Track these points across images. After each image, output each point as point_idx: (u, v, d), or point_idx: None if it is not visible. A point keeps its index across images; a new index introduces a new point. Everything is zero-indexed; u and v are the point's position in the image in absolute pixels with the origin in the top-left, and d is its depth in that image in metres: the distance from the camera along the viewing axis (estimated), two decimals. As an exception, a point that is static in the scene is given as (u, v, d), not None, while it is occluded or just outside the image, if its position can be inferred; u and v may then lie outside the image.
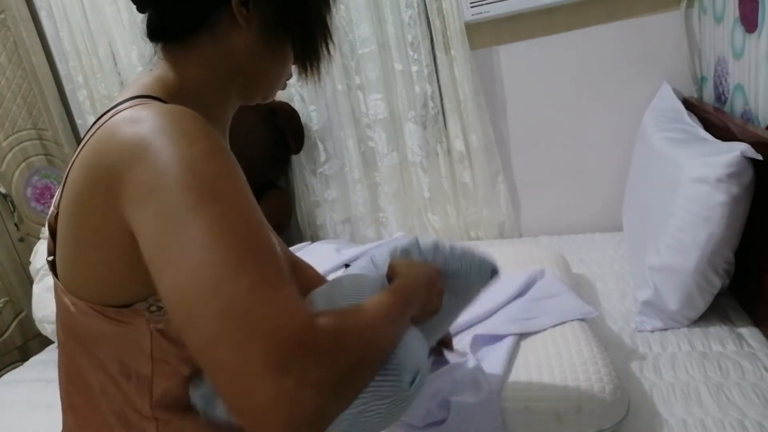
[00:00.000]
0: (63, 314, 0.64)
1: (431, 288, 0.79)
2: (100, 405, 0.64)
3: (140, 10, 0.68)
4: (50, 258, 0.63)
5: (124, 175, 0.51)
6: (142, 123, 0.53)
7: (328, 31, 0.72)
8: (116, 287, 0.59)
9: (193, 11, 0.64)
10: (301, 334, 0.44)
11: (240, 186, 0.52)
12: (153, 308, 0.60)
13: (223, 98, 0.70)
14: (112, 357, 0.62)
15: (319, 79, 0.72)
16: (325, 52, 0.72)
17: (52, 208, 0.62)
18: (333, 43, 0.72)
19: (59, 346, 0.69)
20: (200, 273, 0.45)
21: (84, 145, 0.58)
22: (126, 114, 0.56)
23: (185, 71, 0.66)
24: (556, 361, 1.12)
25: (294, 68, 0.73)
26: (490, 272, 0.97)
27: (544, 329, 1.24)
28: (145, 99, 0.60)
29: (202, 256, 0.46)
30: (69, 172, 0.59)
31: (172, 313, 0.47)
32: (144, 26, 0.68)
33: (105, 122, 0.57)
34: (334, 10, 0.72)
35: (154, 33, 0.68)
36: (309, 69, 0.71)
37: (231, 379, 0.43)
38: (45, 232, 1.99)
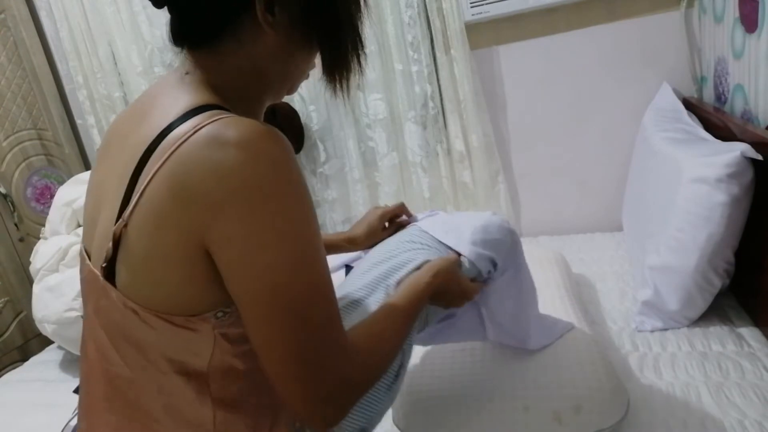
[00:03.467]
0: (115, 318, 0.64)
1: (455, 294, 0.91)
2: (153, 406, 0.65)
3: (157, 5, 0.67)
4: (104, 264, 0.62)
5: (220, 209, 0.55)
6: (232, 149, 0.55)
7: (360, 41, 0.70)
8: (188, 300, 0.61)
9: (216, 17, 0.64)
10: (346, 380, 0.62)
11: (315, 224, 0.61)
12: (219, 314, 0.62)
13: (258, 98, 0.71)
14: (168, 358, 0.64)
15: (348, 94, 0.72)
16: (356, 63, 0.70)
17: (120, 218, 0.60)
18: (364, 54, 0.71)
19: (95, 349, 0.68)
20: (283, 298, 0.57)
21: (164, 162, 0.57)
22: (210, 132, 0.56)
23: (220, 76, 0.66)
24: (555, 361, 1.12)
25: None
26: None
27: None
28: (213, 111, 0.60)
29: (288, 284, 0.57)
30: (146, 187, 0.58)
31: (251, 324, 0.59)
32: (168, 29, 0.69)
33: (185, 139, 0.57)
34: (366, 17, 0.71)
35: (178, 37, 0.68)
36: (338, 82, 0.71)
37: (287, 392, 0.60)
38: (45, 232, 1.99)
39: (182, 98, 0.63)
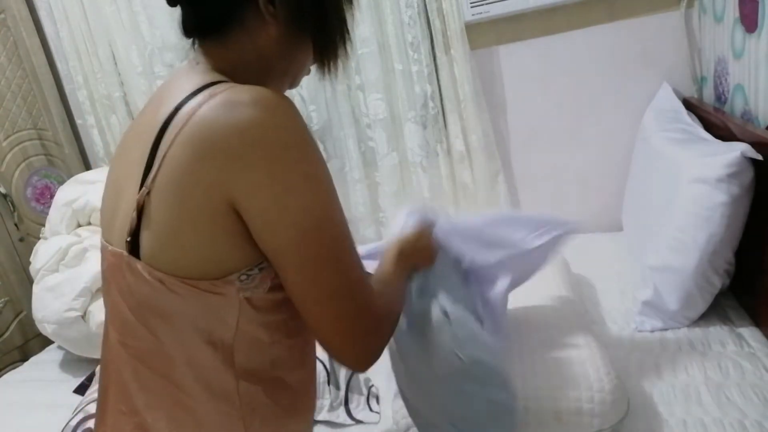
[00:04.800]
0: (142, 292, 0.65)
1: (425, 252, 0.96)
2: (184, 378, 0.67)
3: (171, 3, 0.73)
4: (128, 239, 0.65)
5: (243, 161, 0.58)
6: (249, 107, 0.59)
7: (346, 29, 0.75)
8: (213, 262, 0.64)
9: (223, 7, 0.69)
10: (376, 315, 0.69)
11: (326, 166, 0.66)
12: (243, 277, 0.65)
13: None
14: (195, 328, 0.66)
15: (336, 76, 0.77)
16: (343, 49, 0.75)
17: (142, 188, 0.63)
18: (350, 40, 0.76)
19: (119, 333, 0.70)
20: (318, 240, 0.62)
21: (181, 129, 0.61)
22: (225, 97, 0.61)
23: (228, 64, 0.70)
24: (556, 361, 1.12)
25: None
26: None
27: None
28: (225, 83, 0.64)
29: (320, 226, 0.62)
30: (166, 153, 0.61)
31: (288, 271, 0.63)
32: (179, 23, 0.73)
33: (201, 105, 0.61)
34: (353, 8, 0.76)
35: (188, 29, 0.73)
36: (327, 66, 0.75)
37: (328, 331, 0.66)
38: (45, 232, 1.99)
39: (194, 79, 0.67)
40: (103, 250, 0.73)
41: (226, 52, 0.71)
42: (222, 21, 0.70)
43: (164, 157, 0.62)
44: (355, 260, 0.66)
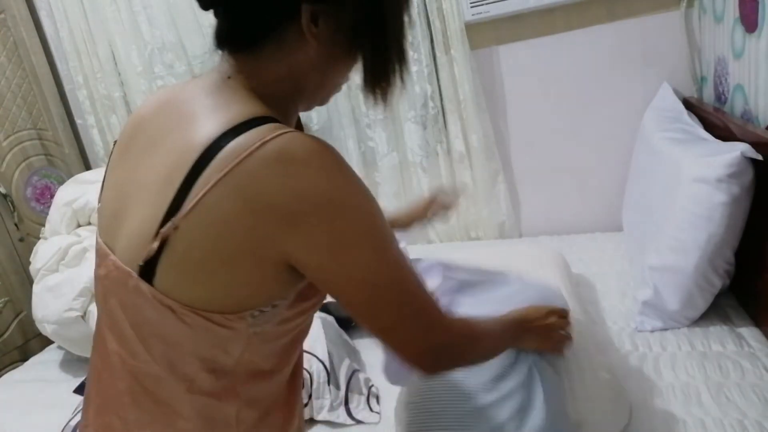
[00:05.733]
0: (147, 315, 0.64)
1: (548, 334, 0.99)
2: (180, 403, 0.67)
3: (204, 7, 0.68)
4: (142, 263, 0.63)
5: (302, 223, 0.59)
6: (302, 165, 0.59)
7: (404, 57, 0.71)
8: (235, 299, 0.63)
9: (261, 23, 0.66)
10: (447, 337, 0.71)
11: (382, 215, 0.66)
12: (256, 313, 0.65)
13: (293, 106, 0.72)
14: (197, 356, 0.66)
15: (387, 104, 0.73)
16: (398, 79, 0.71)
17: (168, 219, 0.61)
18: (407, 70, 0.72)
19: (119, 344, 0.69)
20: (378, 285, 0.64)
21: (226, 174, 0.58)
22: (278, 149, 0.59)
23: (261, 82, 0.67)
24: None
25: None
26: None
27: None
28: (272, 125, 0.61)
29: (378, 271, 0.64)
30: (205, 195, 0.59)
31: (356, 307, 0.66)
32: (213, 33, 0.70)
33: (250, 152, 0.58)
34: (409, 32, 0.73)
35: (221, 40, 0.69)
36: (378, 96, 0.72)
37: (402, 348, 0.69)
38: (45, 232, 1.99)
39: (231, 107, 0.64)
40: (102, 254, 0.70)
41: (260, 69, 0.67)
42: (258, 37, 0.66)
43: (202, 198, 0.59)
44: (415, 286, 0.68)
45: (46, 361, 1.92)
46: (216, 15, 0.69)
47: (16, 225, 2.24)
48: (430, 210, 1.24)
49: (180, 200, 0.60)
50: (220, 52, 0.70)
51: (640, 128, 1.81)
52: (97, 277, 0.72)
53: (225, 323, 0.63)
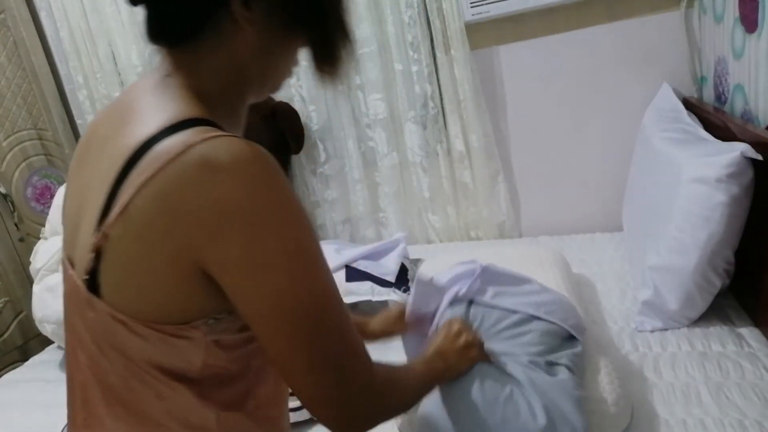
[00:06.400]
0: (104, 329, 0.62)
1: (466, 353, 0.94)
2: (155, 410, 0.64)
3: (133, 3, 0.65)
4: (86, 277, 0.61)
5: (218, 236, 0.55)
6: (226, 174, 0.55)
7: (346, 30, 0.68)
8: (180, 311, 0.60)
9: (192, 14, 0.62)
10: (366, 385, 0.64)
11: (312, 238, 0.61)
12: (211, 321, 0.62)
13: (242, 98, 0.69)
14: (159, 366, 0.63)
15: (339, 81, 0.71)
16: (343, 52, 0.69)
17: (97, 231, 0.59)
18: (351, 42, 0.69)
19: (86, 357, 0.67)
20: (292, 315, 0.58)
21: (151, 177, 0.56)
22: (202, 155, 0.55)
23: (202, 78, 0.65)
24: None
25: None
26: None
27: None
28: (202, 128, 0.59)
29: (294, 301, 0.58)
30: (130, 201, 0.56)
31: (265, 340, 0.60)
32: (144, 28, 0.66)
33: (174, 157, 0.55)
34: (349, 4, 0.69)
35: (153, 35, 0.66)
36: (326, 71, 0.69)
37: (310, 400, 0.62)
38: (45, 232, 1.99)
39: (167, 107, 0.61)
40: (64, 268, 0.68)
41: (198, 63, 0.64)
42: (191, 29, 0.63)
43: (128, 204, 0.56)
44: (337, 326, 0.61)
45: (46, 361, 1.92)
46: (147, 13, 0.65)
47: (16, 225, 2.24)
48: (398, 326, 1.10)
49: (110, 207, 0.58)
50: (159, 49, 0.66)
51: (640, 128, 1.80)
52: (63, 292, 0.70)
53: (179, 333, 0.61)
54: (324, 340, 0.60)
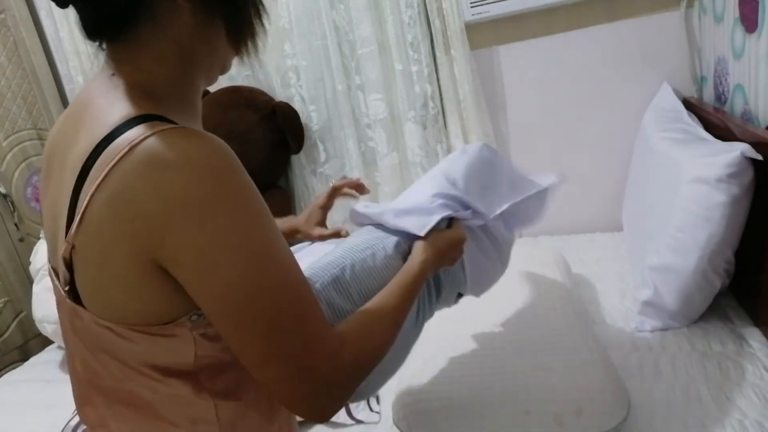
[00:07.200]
0: (93, 335, 0.63)
1: (450, 254, 0.92)
2: (157, 408, 0.65)
3: (61, 5, 0.63)
4: (66, 288, 0.61)
5: (169, 232, 0.55)
6: (173, 169, 0.54)
7: (259, 3, 0.69)
8: (156, 313, 0.60)
9: (123, 2, 0.60)
10: (332, 373, 0.61)
11: (267, 228, 0.59)
12: (194, 317, 0.62)
13: (193, 84, 0.68)
14: (152, 365, 0.63)
15: (255, 54, 0.70)
16: (258, 24, 0.69)
17: (64, 242, 0.59)
18: (266, 14, 0.70)
19: (81, 363, 0.67)
20: (248, 309, 0.57)
21: (102, 181, 0.55)
22: (147, 151, 0.55)
23: (147, 71, 0.63)
24: (556, 363, 1.12)
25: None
26: None
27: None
28: (148, 123, 0.58)
29: (250, 295, 0.57)
30: (86, 208, 0.56)
31: (226, 335, 0.59)
32: (80, 27, 0.65)
33: (122, 156, 0.55)
34: None
35: (89, 31, 0.65)
36: (243, 45, 0.69)
37: (275, 393, 0.61)
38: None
39: (113, 108, 0.60)
40: (52, 280, 0.69)
41: (141, 54, 0.63)
42: (127, 18, 0.61)
43: (84, 212, 0.56)
44: (298, 316, 0.60)
45: (46, 361, 1.92)
46: (78, 10, 0.64)
47: (16, 225, 2.23)
48: (332, 197, 1.17)
49: (73, 217, 0.58)
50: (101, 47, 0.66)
51: (640, 128, 1.81)
52: (56, 301, 0.70)
53: (164, 332, 0.61)
54: (279, 334, 0.58)
